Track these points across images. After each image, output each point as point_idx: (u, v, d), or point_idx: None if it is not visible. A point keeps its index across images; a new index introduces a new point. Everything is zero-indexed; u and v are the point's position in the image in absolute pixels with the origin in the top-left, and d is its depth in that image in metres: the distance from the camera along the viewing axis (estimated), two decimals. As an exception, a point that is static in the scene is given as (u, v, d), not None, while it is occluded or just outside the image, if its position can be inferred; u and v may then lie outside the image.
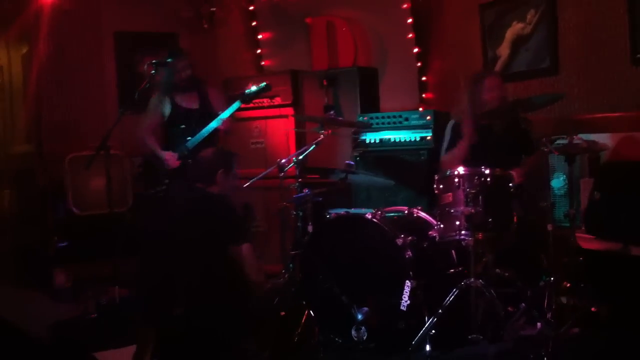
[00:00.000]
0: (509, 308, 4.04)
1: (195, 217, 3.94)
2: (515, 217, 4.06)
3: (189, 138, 5.22)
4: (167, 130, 5.43)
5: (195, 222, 3.92)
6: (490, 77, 4.85)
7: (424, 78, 6.51)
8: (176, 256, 3.85)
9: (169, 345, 3.69)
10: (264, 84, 5.21)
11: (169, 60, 5.23)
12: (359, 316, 3.96)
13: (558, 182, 4.85)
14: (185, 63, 5.34)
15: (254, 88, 5.22)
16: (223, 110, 5.26)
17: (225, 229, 3.91)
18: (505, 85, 4.90)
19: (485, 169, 4.01)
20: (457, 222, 3.97)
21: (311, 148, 4.87)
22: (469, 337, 3.77)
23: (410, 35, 6.50)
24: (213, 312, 3.70)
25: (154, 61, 5.21)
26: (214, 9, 7.48)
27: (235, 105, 5.18)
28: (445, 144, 4.89)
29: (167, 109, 5.38)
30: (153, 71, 5.16)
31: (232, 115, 5.23)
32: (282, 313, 4.42)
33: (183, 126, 5.29)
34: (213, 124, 5.17)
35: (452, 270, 4.23)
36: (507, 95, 4.86)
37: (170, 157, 5.22)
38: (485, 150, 4.57)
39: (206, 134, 5.19)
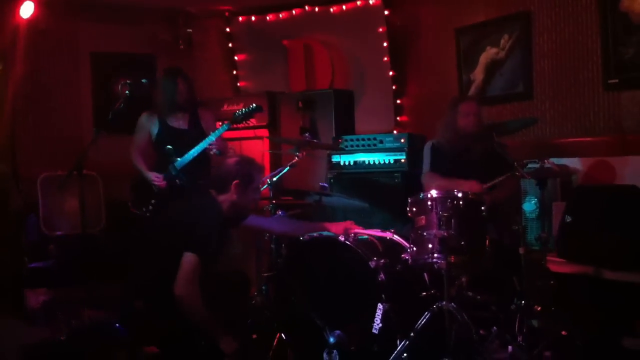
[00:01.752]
0: (482, 331, 4.03)
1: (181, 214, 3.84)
2: (487, 241, 4.06)
3: (178, 158, 5.13)
4: (155, 150, 5.31)
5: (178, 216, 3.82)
6: (465, 102, 4.87)
7: (399, 101, 6.56)
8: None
9: None
10: (253, 105, 5.10)
11: (144, 80, 5.18)
12: (332, 339, 3.92)
13: (530, 205, 4.88)
14: (187, 84, 5.25)
15: (243, 110, 5.11)
16: (212, 132, 5.21)
17: (190, 232, 3.69)
18: (482, 109, 4.92)
19: (458, 192, 4.02)
20: (430, 245, 3.96)
21: (285, 170, 4.87)
22: (442, 360, 3.76)
23: (386, 59, 6.56)
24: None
25: (128, 81, 5.16)
26: (191, 30, 7.49)
27: (224, 127, 5.07)
28: (426, 164, 4.92)
29: (155, 129, 5.26)
30: (127, 92, 5.13)
31: (221, 136, 5.16)
32: (254, 336, 4.41)
33: (170, 147, 5.12)
34: (201, 145, 5.03)
35: (425, 294, 4.22)
36: (484, 120, 4.88)
37: (156, 178, 5.09)
38: (462, 173, 4.59)
39: (195, 155, 5.06)
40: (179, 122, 5.26)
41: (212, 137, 5.02)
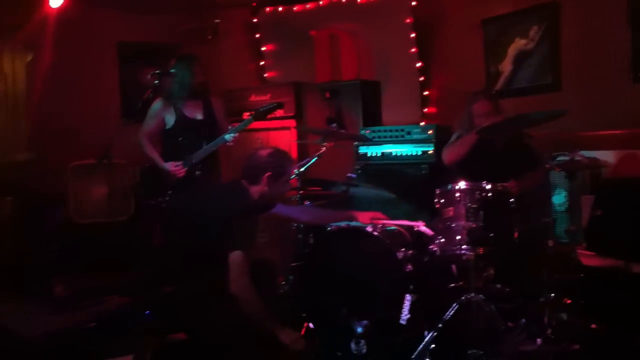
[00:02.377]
0: (509, 323, 4.02)
1: (213, 204, 3.82)
2: (516, 233, 4.05)
3: (194, 150, 5.08)
4: (165, 139, 5.25)
5: (209, 207, 3.80)
6: (479, 102, 4.72)
7: (426, 92, 6.54)
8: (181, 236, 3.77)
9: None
10: (275, 103, 5.06)
11: (172, 70, 5.19)
12: (359, 329, 3.94)
13: (559, 198, 4.85)
14: (200, 67, 5.20)
15: (265, 107, 5.02)
16: (224, 122, 5.21)
17: (226, 227, 3.67)
18: (499, 104, 4.79)
19: (487, 183, 4.00)
20: (458, 237, 3.95)
21: (313, 160, 4.88)
22: (469, 351, 3.75)
23: (413, 50, 6.53)
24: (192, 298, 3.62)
25: (157, 71, 5.17)
26: (218, 20, 7.51)
27: (247, 121, 5.04)
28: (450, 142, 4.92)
29: (170, 119, 5.18)
30: (156, 81, 5.14)
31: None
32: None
33: (181, 138, 5.12)
34: (221, 139, 5.01)
35: (453, 285, 4.22)
36: (503, 113, 4.73)
37: (175, 169, 5.05)
38: (483, 165, 4.56)
39: (214, 148, 5.06)
40: (194, 112, 5.20)
41: (234, 131, 5.00)
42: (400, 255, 4.05)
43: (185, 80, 5.12)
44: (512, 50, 5.83)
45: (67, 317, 5.30)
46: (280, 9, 7.38)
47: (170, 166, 5.06)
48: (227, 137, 5.00)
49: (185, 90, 5.13)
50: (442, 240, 4.07)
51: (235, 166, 6.23)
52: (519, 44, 5.78)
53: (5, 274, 6.52)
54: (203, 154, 5.04)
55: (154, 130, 5.22)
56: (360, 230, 4.27)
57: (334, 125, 5.63)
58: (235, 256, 3.62)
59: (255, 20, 7.58)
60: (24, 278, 6.42)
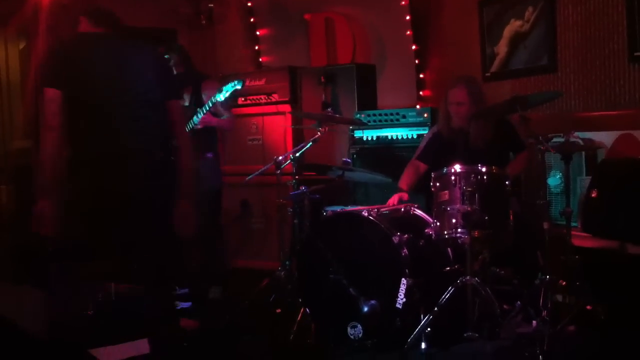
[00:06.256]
0: (505, 306, 4.03)
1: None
2: (511, 215, 4.05)
3: None
4: None
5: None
6: (454, 89, 4.60)
7: (421, 75, 6.50)
8: None
9: None
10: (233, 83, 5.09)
11: (167, 56, 5.22)
12: (365, 308, 3.95)
13: (554, 180, 4.84)
14: (176, 60, 5.32)
15: (223, 91, 5.08)
16: (218, 105, 5.26)
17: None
18: (481, 92, 4.67)
19: (482, 167, 4.00)
20: (454, 220, 3.96)
21: (308, 145, 4.86)
22: (465, 334, 3.76)
23: (409, 33, 6.48)
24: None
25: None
26: (213, 5, 7.47)
27: (207, 106, 5.14)
28: (418, 150, 4.93)
29: None
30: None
31: (208, 114, 5.18)
32: (278, 310, 4.44)
33: None
34: (190, 124, 5.16)
35: (449, 268, 4.22)
36: (483, 102, 4.63)
37: None
38: (467, 160, 4.50)
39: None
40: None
41: (195, 119, 5.15)
42: (395, 239, 4.05)
43: None
44: (507, 32, 5.79)
45: (65, 305, 5.32)
46: (275, -8, 7.35)
47: None
48: (195, 120, 5.15)
49: None
50: (438, 224, 4.07)
51: (229, 151, 6.32)
52: (514, 25, 5.74)
53: (3, 263, 6.54)
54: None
55: None
56: (357, 215, 4.28)
57: (330, 109, 5.62)
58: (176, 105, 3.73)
59: (250, 4, 7.53)
60: (24, 265, 6.44)
